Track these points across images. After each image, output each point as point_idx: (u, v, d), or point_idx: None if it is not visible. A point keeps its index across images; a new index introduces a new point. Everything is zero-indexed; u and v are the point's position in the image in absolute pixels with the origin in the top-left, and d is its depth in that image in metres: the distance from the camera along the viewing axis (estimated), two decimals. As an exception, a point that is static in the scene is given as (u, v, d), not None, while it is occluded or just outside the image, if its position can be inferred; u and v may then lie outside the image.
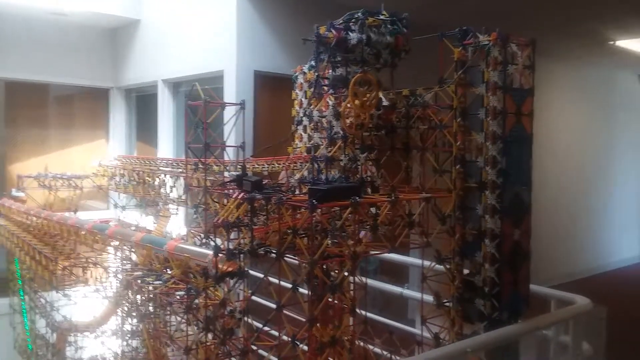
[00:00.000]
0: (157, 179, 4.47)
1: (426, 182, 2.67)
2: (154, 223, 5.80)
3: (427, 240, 2.39)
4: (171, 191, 4.21)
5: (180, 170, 4.65)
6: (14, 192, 5.70)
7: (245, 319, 2.83)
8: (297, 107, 3.46)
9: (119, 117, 8.00)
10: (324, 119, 2.68)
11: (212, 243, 2.83)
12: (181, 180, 4.40)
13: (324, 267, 2.51)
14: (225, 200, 2.62)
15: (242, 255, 2.16)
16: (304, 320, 2.38)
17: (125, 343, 5.15)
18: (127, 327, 4.70)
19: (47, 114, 8.38)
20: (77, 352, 6.00)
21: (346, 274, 2.40)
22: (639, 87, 11.02)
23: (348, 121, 2.59)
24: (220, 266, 2.21)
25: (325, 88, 2.78)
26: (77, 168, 6.08)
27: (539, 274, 3.14)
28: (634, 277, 10.32)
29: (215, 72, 5.61)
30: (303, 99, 3.39)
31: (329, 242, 2.23)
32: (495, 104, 2.31)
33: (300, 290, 2.36)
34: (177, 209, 5.62)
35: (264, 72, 5.43)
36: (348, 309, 2.16)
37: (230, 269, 2.20)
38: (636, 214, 11.36)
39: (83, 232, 3.82)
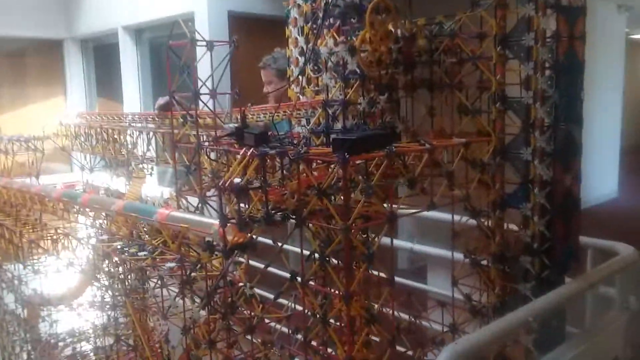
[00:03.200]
0: (130, 137, 3.99)
1: (453, 125, 2.32)
2: (127, 185, 5.34)
3: (468, 192, 2.05)
4: (147, 150, 3.75)
5: (154, 126, 4.18)
6: (-35, 159, 5.12)
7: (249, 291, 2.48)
8: (291, 47, 3.01)
9: (76, 71, 7.33)
10: (333, 56, 2.26)
11: (209, 210, 2.44)
12: (157, 138, 3.94)
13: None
14: (225, 158, 2.22)
15: (256, 224, 1.78)
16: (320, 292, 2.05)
17: (105, 315, 4.78)
18: (107, 300, 4.33)
19: (-5, 72, 7.63)
20: (53, 327, 5.62)
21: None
22: (617, 17, 10.76)
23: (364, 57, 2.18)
24: (228, 238, 1.83)
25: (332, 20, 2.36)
26: (35, 129, 5.49)
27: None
28: (612, 213, 10.38)
29: (184, 14, 5.04)
30: (298, 37, 2.95)
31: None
32: (546, 25, 1.93)
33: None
34: (151, 169, 5.16)
35: (240, 12, 4.89)
36: (387, 279, 1.82)
37: (240, 240, 1.82)
38: (613, 151, 11.33)
39: (50, 202, 3.35)
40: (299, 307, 2.92)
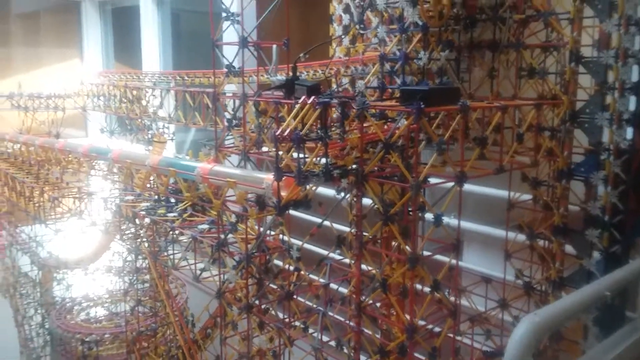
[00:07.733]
0: (158, 97, 3.85)
1: (512, 89, 2.17)
2: (146, 150, 5.21)
3: (537, 158, 1.91)
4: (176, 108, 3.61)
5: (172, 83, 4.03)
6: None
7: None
8: (335, 4, 2.85)
9: (93, 33, 7.16)
10: (390, 9, 2.10)
11: (251, 168, 2.31)
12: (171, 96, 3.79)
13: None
14: (272, 110, 2.08)
15: (314, 179, 1.65)
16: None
17: (123, 280, 4.70)
18: (132, 264, 4.24)
19: (9, 31, 7.44)
20: (68, 291, 5.54)
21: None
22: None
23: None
24: (282, 193, 1.70)
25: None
26: (50, 90, 5.36)
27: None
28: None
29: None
30: (343, -9, 2.78)
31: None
32: (635, -22, 1.77)
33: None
34: (173, 134, 5.02)
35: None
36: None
37: (295, 197, 1.69)
38: None
39: (76, 158, 3.23)
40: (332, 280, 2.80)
